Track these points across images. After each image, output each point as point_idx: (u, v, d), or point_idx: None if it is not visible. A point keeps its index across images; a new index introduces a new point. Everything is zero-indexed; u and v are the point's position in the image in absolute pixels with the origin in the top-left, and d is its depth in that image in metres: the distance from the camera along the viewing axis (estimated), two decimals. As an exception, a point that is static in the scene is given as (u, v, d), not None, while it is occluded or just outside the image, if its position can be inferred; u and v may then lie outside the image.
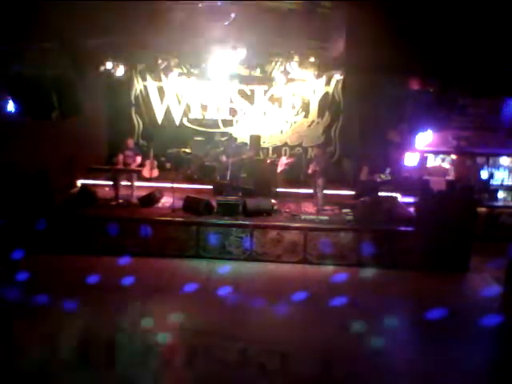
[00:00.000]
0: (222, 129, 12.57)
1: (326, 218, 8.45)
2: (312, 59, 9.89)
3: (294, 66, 10.20)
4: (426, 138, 10.28)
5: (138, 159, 9.29)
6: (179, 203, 8.66)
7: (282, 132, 12.62)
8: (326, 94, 12.37)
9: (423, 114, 8.22)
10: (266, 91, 12.39)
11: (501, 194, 10.07)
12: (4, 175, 7.92)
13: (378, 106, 10.17)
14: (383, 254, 7.80)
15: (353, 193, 9.70)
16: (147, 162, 10.77)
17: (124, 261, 7.58)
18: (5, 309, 5.72)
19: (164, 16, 7.87)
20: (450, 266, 7.63)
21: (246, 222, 8.02)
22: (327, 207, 9.15)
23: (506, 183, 10.09)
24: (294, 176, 11.08)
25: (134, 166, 9.21)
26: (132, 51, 10.02)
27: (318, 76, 10.93)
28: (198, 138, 12.10)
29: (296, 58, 9.97)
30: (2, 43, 6.71)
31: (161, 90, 12.50)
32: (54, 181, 8.62)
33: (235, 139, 11.44)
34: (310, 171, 9.47)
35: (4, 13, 6.43)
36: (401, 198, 10.05)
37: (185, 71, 11.94)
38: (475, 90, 7.79)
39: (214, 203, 8.51)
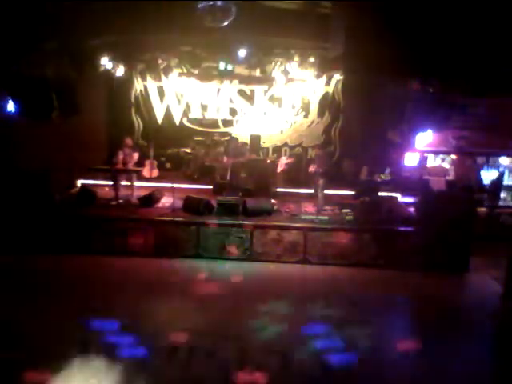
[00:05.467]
0: (222, 129, 12.58)
1: (325, 218, 8.45)
2: (312, 59, 9.90)
3: (293, 65, 10.22)
4: (425, 138, 10.29)
5: (135, 156, 9.29)
6: (179, 203, 8.66)
7: (282, 132, 12.62)
8: (326, 93, 12.38)
9: (423, 114, 8.23)
10: (265, 91, 12.40)
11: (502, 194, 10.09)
12: (4, 175, 7.91)
13: (377, 106, 10.17)
14: (383, 253, 7.81)
15: (353, 193, 9.70)
16: (147, 162, 10.79)
17: (124, 261, 7.61)
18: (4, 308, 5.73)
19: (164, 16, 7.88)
20: (450, 265, 7.63)
21: (246, 222, 8.02)
22: (327, 207, 9.14)
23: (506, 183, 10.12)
24: (294, 176, 11.08)
25: (132, 164, 9.22)
26: (132, 51, 10.04)
27: (318, 76, 10.93)
28: (198, 138, 12.12)
29: (296, 58, 9.98)
30: (2, 43, 6.71)
31: (161, 90, 12.51)
32: (54, 181, 8.62)
33: (236, 139, 11.44)
34: (311, 170, 9.47)
35: (4, 13, 6.43)
36: (401, 198, 10.05)
37: (185, 71, 11.95)
38: (475, 89, 7.79)
39: (214, 203, 8.51)
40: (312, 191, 9.59)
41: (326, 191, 9.19)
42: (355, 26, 6.78)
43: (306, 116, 12.54)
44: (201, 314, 5.86)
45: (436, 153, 10.58)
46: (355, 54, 6.95)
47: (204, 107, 12.57)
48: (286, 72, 10.60)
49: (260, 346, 5.07)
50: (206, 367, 4.64)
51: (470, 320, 6.07)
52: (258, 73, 11.94)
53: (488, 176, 10.14)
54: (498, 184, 9.94)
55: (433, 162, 10.60)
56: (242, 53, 9.31)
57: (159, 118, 12.63)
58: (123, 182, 9.33)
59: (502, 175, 10.02)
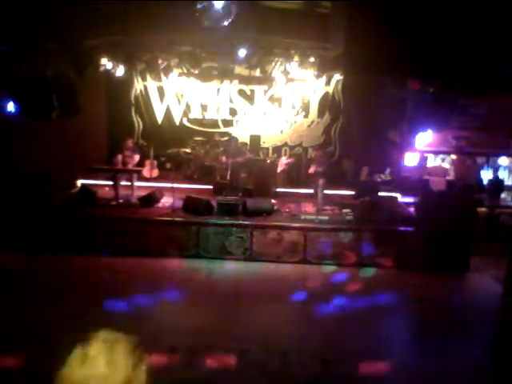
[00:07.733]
0: (222, 129, 12.59)
1: (325, 218, 8.45)
2: (312, 59, 9.91)
3: (293, 66, 10.22)
4: (425, 138, 10.30)
5: (136, 158, 9.30)
6: (179, 203, 8.66)
7: (282, 132, 12.63)
8: (326, 93, 12.39)
9: (423, 114, 8.22)
10: (265, 91, 12.41)
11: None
12: (4, 175, 7.92)
13: (377, 106, 10.17)
14: (383, 254, 7.81)
15: (353, 193, 9.70)
16: (147, 162, 10.80)
17: (124, 261, 7.61)
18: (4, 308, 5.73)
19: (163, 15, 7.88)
20: (450, 265, 7.63)
21: (246, 222, 8.02)
22: (327, 207, 9.15)
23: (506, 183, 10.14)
24: (294, 176, 11.09)
25: (132, 166, 9.22)
26: (132, 51, 10.05)
27: (318, 76, 10.93)
28: (198, 138, 12.13)
29: (296, 58, 9.99)
30: (3, 43, 6.71)
31: (161, 90, 12.52)
32: (54, 181, 8.62)
33: (236, 139, 11.46)
34: (310, 171, 9.48)
35: (4, 13, 6.43)
36: (401, 198, 10.05)
37: (185, 71, 11.95)
38: (475, 89, 7.79)
39: (214, 203, 8.51)
40: (312, 191, 9.59)
41: (325, 191, 9.19)
42: (355, 26, 6.77)
43: (306, 116, 12.54)
44: (201, 314, 5.86)
45: (436, 153, 10.61)
46: (355, 54, 6.94)
47: (204, 107, 12.58)
48: (285, 72, 10.61)
49: (260, 346, 5.06)
50: (206, 367, 4.64)
51: (470, 320, 6.06)
52: (258, 73, 11.95)
53: (487, 176, 10.16)
54: (496, 183, 9.95)
55: (433, 162, 10.62)
56: (242, 53, 9.31)
57: (159, 118, 12.63)
58: (123, 182, 9.34)
59: (496, 171, 10.02)
